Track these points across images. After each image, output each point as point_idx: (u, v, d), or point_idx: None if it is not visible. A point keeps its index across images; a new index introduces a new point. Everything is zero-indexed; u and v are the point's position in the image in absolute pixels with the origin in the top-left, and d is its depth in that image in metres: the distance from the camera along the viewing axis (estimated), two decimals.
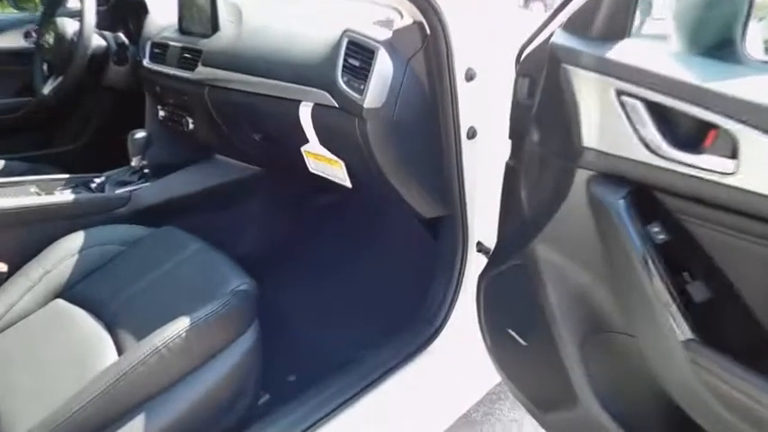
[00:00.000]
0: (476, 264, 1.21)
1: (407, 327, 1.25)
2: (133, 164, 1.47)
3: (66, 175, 1.49)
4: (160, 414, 0.93)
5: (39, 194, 1.37)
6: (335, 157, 1.23)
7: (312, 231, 1.71)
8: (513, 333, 0.94)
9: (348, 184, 1.27)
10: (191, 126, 1.49)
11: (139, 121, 1.78)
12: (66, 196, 1.35)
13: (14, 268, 1.26)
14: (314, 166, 1.32)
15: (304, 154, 1.29)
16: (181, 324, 0.98)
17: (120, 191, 1.44)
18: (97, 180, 1.49)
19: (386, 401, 1.18)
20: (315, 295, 1.58)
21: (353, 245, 1.69)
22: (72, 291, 1.22)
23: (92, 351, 1.05)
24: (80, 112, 1.97)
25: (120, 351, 1.03)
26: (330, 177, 1.31)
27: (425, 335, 1.23)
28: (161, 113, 1.61)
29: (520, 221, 0.92)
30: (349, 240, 1.70)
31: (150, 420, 0.91)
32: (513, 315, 0.96)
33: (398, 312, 1.34)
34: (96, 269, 1.26)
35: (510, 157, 0.96)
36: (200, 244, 1.25)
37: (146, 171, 1.51)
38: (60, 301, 1.20)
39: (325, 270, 1.64)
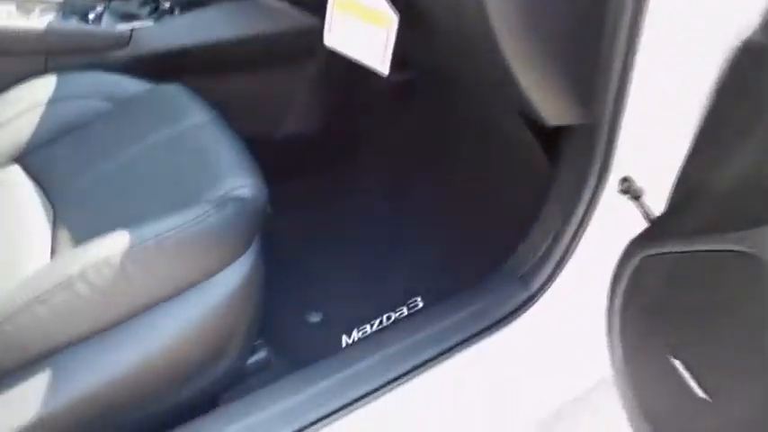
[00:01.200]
0: (614, 212, 0.76)
1: (489, 283, 0.84)
2: None
3: None
4: (92, 367, 0.59)
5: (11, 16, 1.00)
6: (386, 7, 0.74)
7: (370, 124, 1.27)
8: (678, 365, 0.52)
9: (384, 68, 0.80)
10: None
11: None
12: (44, 23, 0.97)
13: None
14: (337, 25, 0.80)
15: None
16: (144, 233, 0.62)
17: (120, 26, 1.04)
18: (98, 8, 1.10)
19: (444, 381, 0.79)
20: (359, 214, 1.17)
21: (421, 151, 1.25)
22: (32, 156, 0.88)
23: (25, 247, 0.72)
24: None
25: (53, 252, 0.70)
26: (349, 53, 0.81)
27: (515, 298, 0.81)
28: None
29: (741, 172, 0.48)
30: (415, 145, 1.25)
31: (73, 375, 0.58)
32: (684, 335, 0.53)
33: (477, 258, 0.93)
34: (71, 130, 0.91)
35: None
36: (206, 116, 0.86)
37: (163, 5, 1.10)
38: (16, 170, 0.87)
39: (378, 181, 1.22)
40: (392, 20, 0.66)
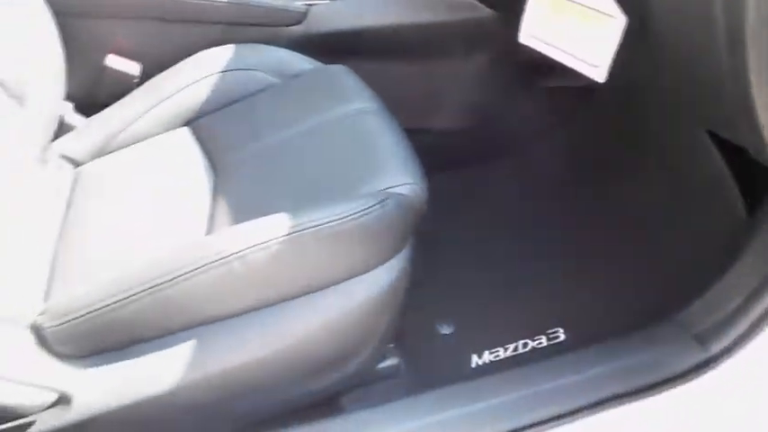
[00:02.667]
0: None
1: (655, 333, 0.73)
2: None
3: None
4: (233, 345, 0.58)
5: None
6: (613, 8, 0.63)
7: (535, 127, 1.17)
8: None
9: (600, 73, 0.68)
10: None
11: None
12: None
13: (147, 71, 0.98)
14: (539, 22, 0.69)
15: None
16: (304, 220, 0.59)
17: (297, 3, 1.04)
18: None
19: None
20: (510, 222, 1.08)
21: (590, 163, 1.13)
22: (202, 121, 0.91)
23: (186, 212, 0.74)
24: None
25: (210, 227, 0.70)
26: (553, 53, 0.71)
27: (688, 358, 0.69)
28: None
29: None
30: (585, 156, 1.13)
31: (214, 350, 0.58)
32: None
33: (634, 299, 0.82)
34: (238, 100, 0.92)
35: None
36: (372, 103, 0.83)
37: None
38: (185, 132, 0.90)
39: (537, 190, 1.11)
40: (618, 22, 0.57)
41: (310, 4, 1.04)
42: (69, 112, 0.95)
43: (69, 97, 0.94)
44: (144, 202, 0.79)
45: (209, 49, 0.96)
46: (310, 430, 0.66)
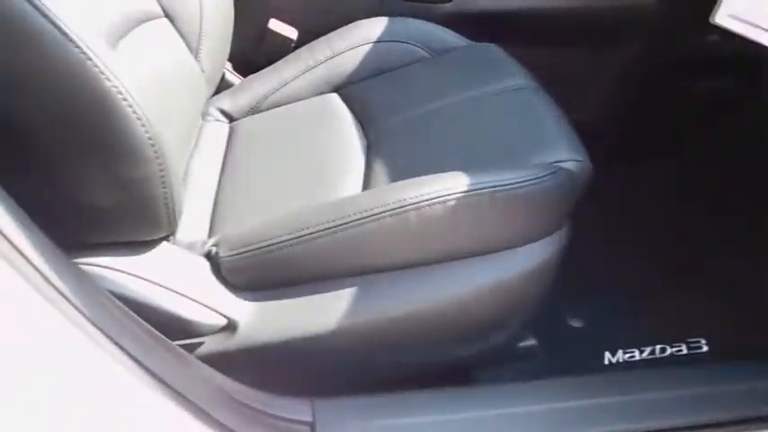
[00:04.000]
0: None
1: None
2: None
3: None
4: (393, 296, 0.59)
5: None
6: None
7: (687, 125, 1.10)
8: None
9: None
10: None
11: None
12: None
13: (303, 37, 1.01)
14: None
15: None
16: (481, 181, 0.58)
17: None
18: None
19: None
20: (655, 220, 1.02)
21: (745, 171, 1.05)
22: (351, 88, 0.93)
23: (342, 170, 0.76)
24: None
25: (366, 183, 0.71)
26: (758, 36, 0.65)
27: None
28: None
29: None
30: (741, 161, 1.05)
31: (374, 299, 0.58)
32: None
33: None
34: (388, 70, 0.93)
35: None
36: (527, 80, 0.81)
37: None
38: (334, 97, 0.93)
39: (688, 189, 1.05)
40: None
41: None
42: (228, 71, 1.00)
43: (229, 56, 0.99)
44: (296, 156, 0.82)
45: (363, 20, 0.98)
46: (443, 395, 0.65)
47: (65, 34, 0.39)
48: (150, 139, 0.45)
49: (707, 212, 1.02)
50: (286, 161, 0.81)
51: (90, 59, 0.40)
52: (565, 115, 0.79)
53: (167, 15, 0.82)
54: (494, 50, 0.91)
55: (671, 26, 1.03)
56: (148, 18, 0.77)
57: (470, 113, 0.77)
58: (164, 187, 0.49)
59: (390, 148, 0.76)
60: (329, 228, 0.56)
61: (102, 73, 0.41)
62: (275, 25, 1.00)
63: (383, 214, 0.56)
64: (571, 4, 1.03)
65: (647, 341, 0.86)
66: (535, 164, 0.62)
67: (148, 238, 0.54)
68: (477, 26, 1.04)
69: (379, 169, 0.72)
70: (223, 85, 0.99)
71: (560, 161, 0.64)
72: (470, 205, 0.56)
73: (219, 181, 0.80)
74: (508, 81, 0.81)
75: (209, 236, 0.70)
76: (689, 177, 1.07)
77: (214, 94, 0.97)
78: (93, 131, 0.43)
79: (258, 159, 0.83)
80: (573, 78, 1.10)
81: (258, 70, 0.99)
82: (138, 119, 0.43)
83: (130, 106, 0.42)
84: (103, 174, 0.45)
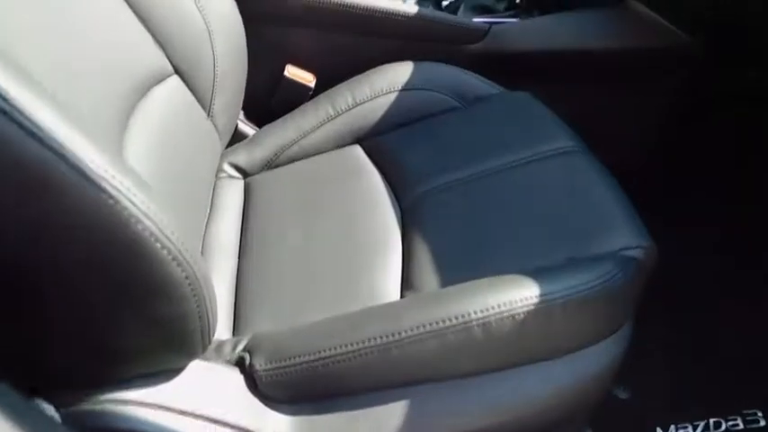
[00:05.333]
0: None
1: None
2: None
3: None
4: (450, 410, 0.53)
5: None
6: None
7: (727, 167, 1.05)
8: None
9: None
10: None
11: None
12: (409, 7, 0.95)
13: (322, 82, 0.94)
14: None
15: None
16: (553, 289, 0.52)
17: (477, 19, 0.98)
18: None
19: None
20: (704, 275, 0.97)
21: None
22: (376, 140, 0.87)
23: (378, 248, 0.69)
24: None
25: (407, 267, 0.64)
26: None
27: None
28: None
29: None
30: None
31: (432, 412, 0.52)
32: None
33: None
34: (416, 120, 0.87)
35: None
36: (572, 141, 0.75)
37: (520, 1, 1.01)
38: (358, 150, 0.86)
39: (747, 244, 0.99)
40: None
41: (492, 22, 0.97)
42: (241, 120, 0.93)
43: (242, 104, 0.92)
44: (324, 227, 0.75)
45: (387, 65, 0.91)
46: None
47: (88, 178, 0.32)
48: (187, 278, 0.38)
49: (751, 266, 0.97)
50: (312, 232, 0.74)
51: (118, 203, 0.33)
52: (610, 172, 0.74)
53: (178, 72, 0.75)
54: (530, 101, 0.85)
55: (709, 64, 0.98)
56: (159, 80, 0.70)
57: (517, 183, 0.70)
58: (200, 319, 0.42)
59: (429, 223, 0.70)
60: (383, 344, 0.50)
61: (131, 216, 0.34)
62: (292, 72, 0.93)
63: (445, 330, 0.49)
64: (605, 45, 0.97)
65: (699, 414, 0.81)
66: (602, 254, 0.56)
67: (180, 366, 0.48)
68: (506, 66, 0.98)
69: (421, 250, 0.66)
70: (236, 137, 0.92)
71: (626, 248, 0.58)
72: (540, 316, 0.50)
73: (239, 256, 0.74)
74: (554, 142, 0.75)
75: (235, 328, 0.64)
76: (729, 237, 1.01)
77: (227, 146, 0.90)
78: (123, 276, 0.36)
79: (280, 229, 0.76)
80: (608, 119, 1.05)
81: (273, 119, 0.92)
82: (174, 259, 0.37)
83: (165, 248, 0.36)
84: (134, 317, 0.39)
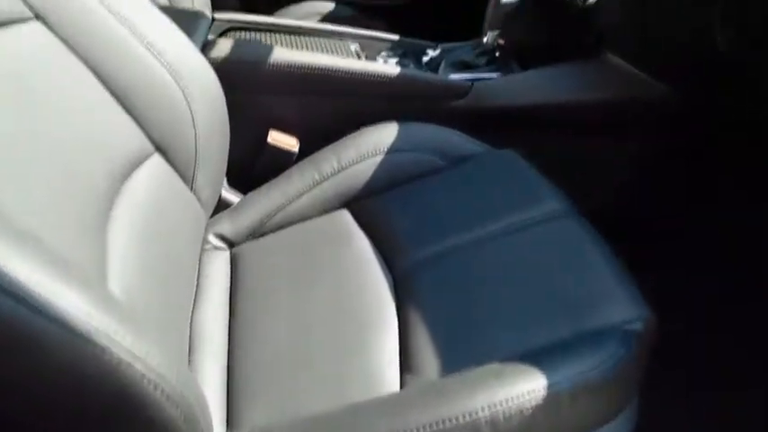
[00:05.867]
0: None
1: None
2: (485, 39, 1.00)
3: (395, 37, 1.09)
4: None
5: (359, 56, 1.00)
6: None
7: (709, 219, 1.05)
8: None
9: None
10: None
11: None
12: (391, 68, 0.95)
13: (306, 145, 0.93)
14: None
15: None
16: (558, 377, 0.50)
17: (458, 75, 0.99)
18: (430, 52, 1.06)
19: None
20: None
21: None
22: (364, 204, 0.85)
23: (373, 324, 0.67)
24: None
25: (404, 354, 0.62)
26: None
27: None
28: None
29: None
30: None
31: None
32: None
33: None
34: (403, 182, 0.86)
35: None
36: (560, 204, 0.75)
37: (497, 54, 1.02)
38: (345, 216, 0.84)
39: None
40: None
41: (474, 79, 0.98)
42: (225, 188, 0.91)
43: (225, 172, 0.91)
44: (315, 301, 0.73)
45: (371, 127, 0.91)
46: None
47: (73, 331, 0.30)
48: (183, 414, 0.36)
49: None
50: (303, 310, 0.71)
51: (106, 351, 0.31)
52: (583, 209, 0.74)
53: (160, 149, 0.73)
54: (514, 160, 0.85)
55: (686, 115, 0.99)
56: (141, 161, 0.68)
57: (512, 251, 0.69)
58: None
59: (424, 296, 0.68)
60: None
61: (122, 362, 0.32)
62: (275, 137, 0.92)
63: (452, 428, 0.47)
64: (584, 98, 0.98)
65: None
66: (603, 328, 0.55)
67: None
68: (489, 121, 0.98)
69: (417, 326, 0.64)
70: (220, 205, 0.90)
71: (627, 322, 0.57)
72: (549, 406, 0.48)
73: (229, 340, 0.71)
74: (544, 205, 0.74)
75: (229, 422, 0.61)
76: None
77: (211, 216, 0.88)
78: (116, 420, 0.34)
79: (269, 307, 0.74)
80: (590, 167, 1.05)
81: (258, 186, 0.90)
82: (168, 398, 0.34)
83: (158, 388, 0.34)
84: None
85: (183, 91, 0.75)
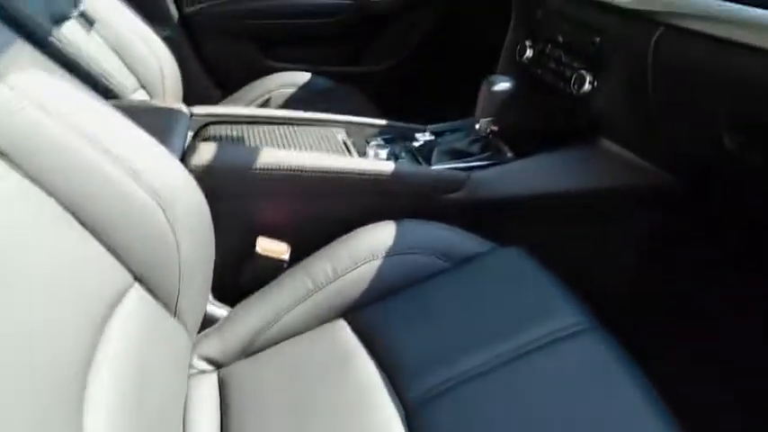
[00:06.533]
0: None
1: None
2: (478, 126, 0.96)
3: (382, 122, 1.05)
4: None
5: (347, 146, 0.95)
6: None
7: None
8: None
9: None
10: (586, 87, 0.90)
11: (479, 54, 1.28)
12: (382, 165, 0.90)
13: (297, 252, 0.87)
14: None
15: None
16: None
17: (452, 165, 0.95)
18: (421, 137, 1.03)
19: None
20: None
21: None
22: (362, 314, 0.79)
23: None
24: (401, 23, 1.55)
25: None
26: None
27: None
28: (528, 53, 1.05)
29: None
30: None
31: None
32: None
33: None
34: (403, 288, 0.80)
35: None
36: (583, 318, 0.70)
37: (494, 142, 0.99)
38: (343, 327, 0.78)
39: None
40: None
41: (470, 167, 0.94)
42: (210, 302, 0.84)
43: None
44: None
45: (365, 228, 0.86)
46: None
47: None
48: None
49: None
50: None
51: None
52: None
53: (139, 279, 0.66)
54: (521, 260, 0.80)
55: (691, 200, 0.97)
56: (120, 296, 0.61)
57: (537, 375, 0.64)
58: None
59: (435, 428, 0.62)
60: None
61: None
62: (263, 246, 0.85)
63: None
64: (583, 186, 0.95)
65: None
66: None
67: None
68: (487, 212, 0.94)
69: None
70: (205, 321, 0.82)
71: None
72: None
73: None
74: (562, 317, 0.69)
75: None
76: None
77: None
78: None
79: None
80: (592, 254, 1.02)
81: (245, 296, 0.84)
82: None
83: None
84: None
85: (164, 212, 0.69)
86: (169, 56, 1.49)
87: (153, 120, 0.80)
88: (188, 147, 0.84)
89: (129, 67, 1.36)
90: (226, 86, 1.67)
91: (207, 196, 0.76)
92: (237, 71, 1.65)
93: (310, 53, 1.69)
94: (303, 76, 1.53)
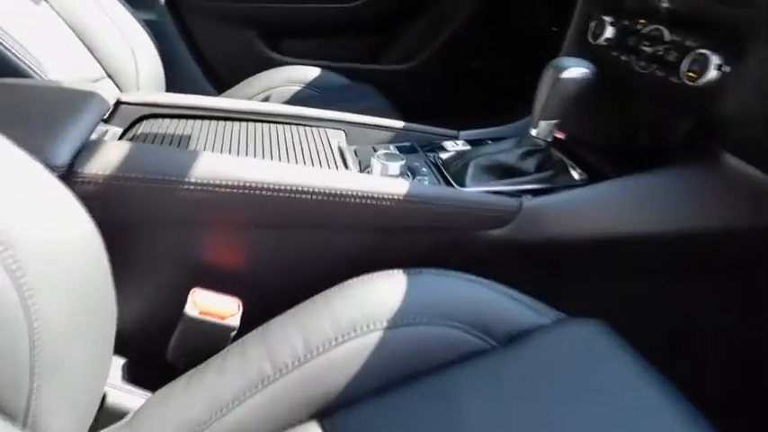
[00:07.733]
0: None
1: None
2: (535, 132, 0.66)
3: (397, 124, 0.76)
4: None
5: (342, 155, 0.66)
6: None
7: None
8: None
9: None
10: (710, 74, 0.58)
11: (532, 41, 0.99)
12: (390, 185, 0.60)
13: (252, 313, 0.58)
14: None
15: None
16: None
17: (495, 188, 0.65)
18: (449, 146, 0.73)
19: None
20: None
21: None
22: (346, 418, 0.50)
23: None
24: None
25: None
26: None
27: None
28: (608, 32, 0.75)
29: None
30: None
31: None
32: None
33: None
34: (412, 381, 0.51)
35: None
36: (683, 412, 0.40)
37: (552, 154, 0.69)
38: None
39: None
40: None
41: (522, 191, 0.63)
42: (112, 386, 0.55)
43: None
44: None
45: (359, 280, 0.56)
46: None
47: None
48: None
49: None
50: None
51: None
52: None
53: None
54: (610, 342, 0.50)
55: None
56: None
57: None
58: None
59: None
60: None
61: None
62: (199, 302, 0.55)
63: None
64: (703, 223, 0.63)
65: None
66: None
67: None
68: (540, 256, 0.64)
69: None
70: (107, 413, 0.54)
71: None
72: None
73: None
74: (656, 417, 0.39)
75: None
76: None
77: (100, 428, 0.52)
78: None
79: None
80: (692, 323, 0.71)
81: (170, 378, 0.55)
82: None
83: None
84: None
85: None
86: (148, 42, 1.25)
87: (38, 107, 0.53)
88: (83, 147, 0.56)
89: (92, 52, 1.12)
90: (220, 80, 1.43)
91: (107, 224, 0.48)
92: (235, 63, 1.43)
93: (322, 45, 1.43)
94: (312, 72, 1.28)
